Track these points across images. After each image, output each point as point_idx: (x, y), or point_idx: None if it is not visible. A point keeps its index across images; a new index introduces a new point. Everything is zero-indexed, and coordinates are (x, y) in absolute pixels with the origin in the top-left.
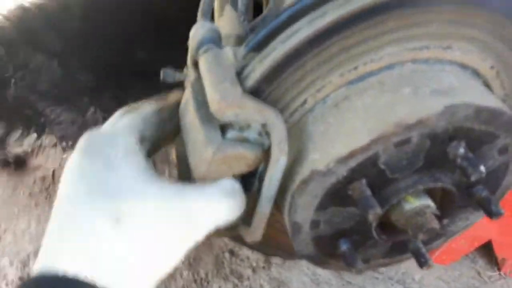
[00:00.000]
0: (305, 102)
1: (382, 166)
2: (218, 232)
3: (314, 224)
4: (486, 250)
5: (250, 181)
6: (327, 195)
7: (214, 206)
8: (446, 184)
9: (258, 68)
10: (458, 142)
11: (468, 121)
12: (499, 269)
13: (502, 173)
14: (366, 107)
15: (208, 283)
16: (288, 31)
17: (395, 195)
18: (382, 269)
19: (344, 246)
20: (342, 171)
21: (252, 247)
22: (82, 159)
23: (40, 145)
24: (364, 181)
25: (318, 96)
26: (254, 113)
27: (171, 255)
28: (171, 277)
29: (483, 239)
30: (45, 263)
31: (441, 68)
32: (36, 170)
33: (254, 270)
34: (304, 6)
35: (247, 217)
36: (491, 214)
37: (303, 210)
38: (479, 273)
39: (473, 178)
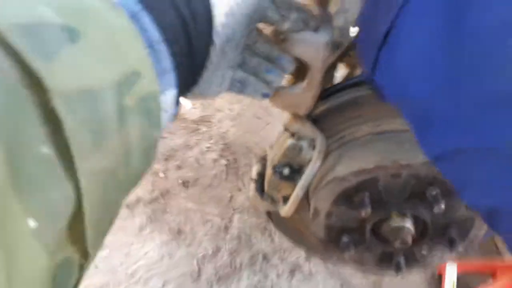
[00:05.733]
0: (343, 137)
1: (380, 188)
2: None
3: (329, 214)
4: None
5: (297, 177)
6: (341, 195)
7: None
8: (422, 215)
9: (319, 109)
10: (434, 187)
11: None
12: None
13: (470, 225)
14: (380, 148)
15: (240, 271)
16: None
17: (385, 211)
18: None
19: (345, 239)
20: (353, 181)
21: (284, 231)
22: None
23: None
24: (367, 193)
25: (354, 136)
26: (310, 131)
27: None
28: (213, 257)
29: None
30: None
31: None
32: None
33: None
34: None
35: (286, 201)
36: (455, 252)
37: (323, 201)
38: None
39: (435, 210)
